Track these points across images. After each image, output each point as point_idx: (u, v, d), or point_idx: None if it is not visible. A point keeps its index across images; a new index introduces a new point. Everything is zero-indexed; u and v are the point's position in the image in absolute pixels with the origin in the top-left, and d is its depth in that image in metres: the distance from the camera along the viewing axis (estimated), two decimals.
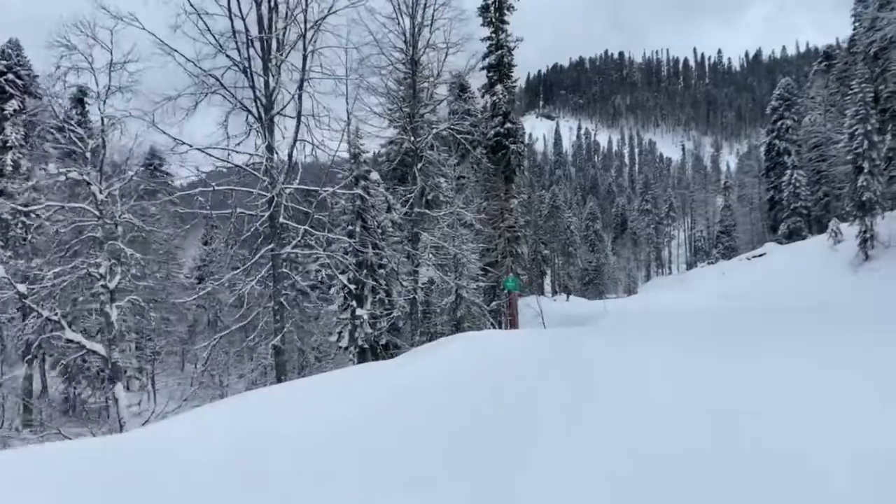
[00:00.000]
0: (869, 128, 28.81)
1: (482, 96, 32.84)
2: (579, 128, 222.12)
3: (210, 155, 13.30)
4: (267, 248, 13.80)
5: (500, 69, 31.25)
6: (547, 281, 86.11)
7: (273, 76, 13.97)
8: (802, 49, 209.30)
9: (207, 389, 28.79)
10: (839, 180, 48.26)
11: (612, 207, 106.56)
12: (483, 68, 31.43)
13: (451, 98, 30.15)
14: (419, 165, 20.66)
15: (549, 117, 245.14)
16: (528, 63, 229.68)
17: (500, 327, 33.43)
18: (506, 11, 31.01)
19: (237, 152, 13.98)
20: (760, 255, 49.62)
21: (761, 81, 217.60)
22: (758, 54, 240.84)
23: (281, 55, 13.99)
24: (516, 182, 31.89)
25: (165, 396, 30.50)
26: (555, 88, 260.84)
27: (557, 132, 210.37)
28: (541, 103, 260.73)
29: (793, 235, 50.74)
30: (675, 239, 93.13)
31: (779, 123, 55.82)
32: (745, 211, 68.62)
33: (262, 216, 13.77)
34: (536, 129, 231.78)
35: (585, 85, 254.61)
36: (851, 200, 29.77)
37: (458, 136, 28.55)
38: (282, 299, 14.00)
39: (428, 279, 24.03)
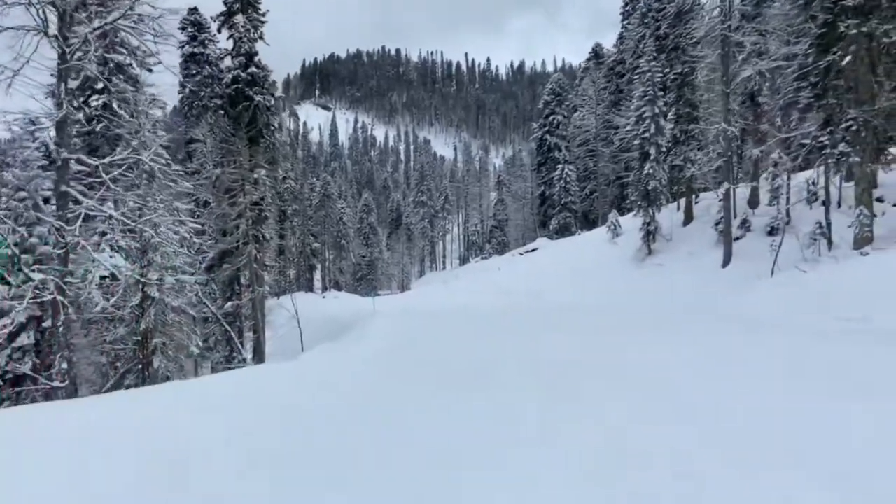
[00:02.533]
0: (657, 111, 26.80)
1: (218, 30, 24.67)
2: (356, 121, 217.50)
3: None
4: None
5: None
6: (317, 276, 79.13)
7: None
8: (559, 65, 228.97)
9: None
10: (607, 175, 48.67)
11: (387, 203, 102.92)
12: None
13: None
14: (70, 84, 12.30)
15: (325, 107, 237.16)
16: (304, 49, 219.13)
17: (240, 336, 25.62)
18: None
19: None
20: (533, 250, 48.29)
21: (524, 91, 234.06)
22: (521, 66, 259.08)
23: None
24: (265, 146, 24.35)
25: None
26: (332, 79, 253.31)
27: (334, 123, 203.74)
28: (317, 92, 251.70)
29: (563, 231, 50.31)
30: (450, 233, 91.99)
31: (551, 118, 55.56)
32: (517, 206, 68.62)
33: None
34: (312, 117, 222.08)
35: (363, 78, 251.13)
36: (637, 190, 27.65)
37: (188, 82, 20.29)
38: None
39: (110, 272, 15.56)
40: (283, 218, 66.96)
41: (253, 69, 23.54)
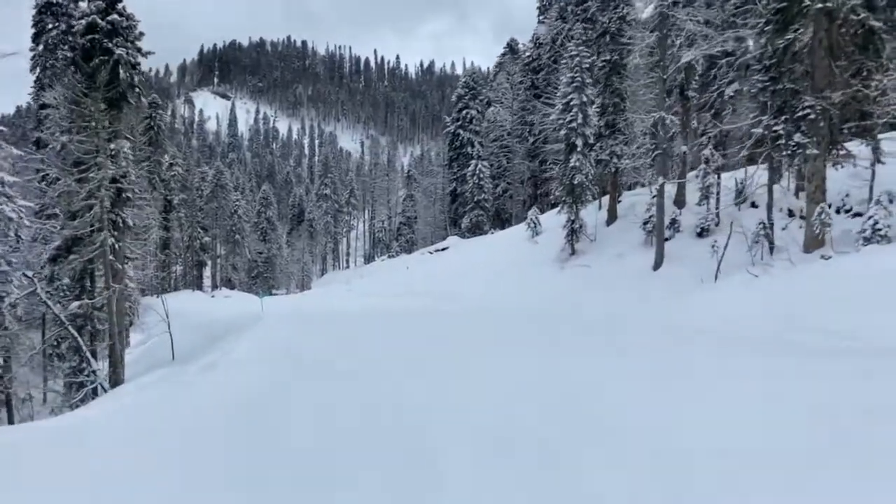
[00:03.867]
0: (584, 99, 24.72)
1: None
2: (257, 111, 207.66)
3: None
4: None
5: None
6: (207, 273, 72.86)
7: None
8: (468, 66, 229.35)
9: None
10: (522, 173, 46.89)
11: (289, 198, 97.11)
12: None
13: None
14: None
15: (224, 96, 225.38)
16: (202, 33, 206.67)
17: (95, 342, 21.00)
18: None
19: None
20: (444, 249, 45.76)
21: (433, 91, 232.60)
22: (431, 66, 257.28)
23: None
24: (128, 113, 19.95)
25: None
26: (232, 67, 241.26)
27: (233, 112, 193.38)
28: (216, 80, 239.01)
29: (475, 229, 48.05)
30: (355, 230, 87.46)
31: (464, 112, 53.22)
32: (427, 203, 65.69)
33: None
34: (209, 106, 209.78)
35: (266, 68, 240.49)
36: (561, 184, 25.50)
37: None
38: None
39: None
40: (169, 208, 60.61)
41: (115, 17, 19.04)
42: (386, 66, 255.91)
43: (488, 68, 61.09)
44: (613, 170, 25.79)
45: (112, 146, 18.14)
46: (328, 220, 77.13)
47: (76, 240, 19.16)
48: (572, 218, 25.22)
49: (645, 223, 23.37)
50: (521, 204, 48.62)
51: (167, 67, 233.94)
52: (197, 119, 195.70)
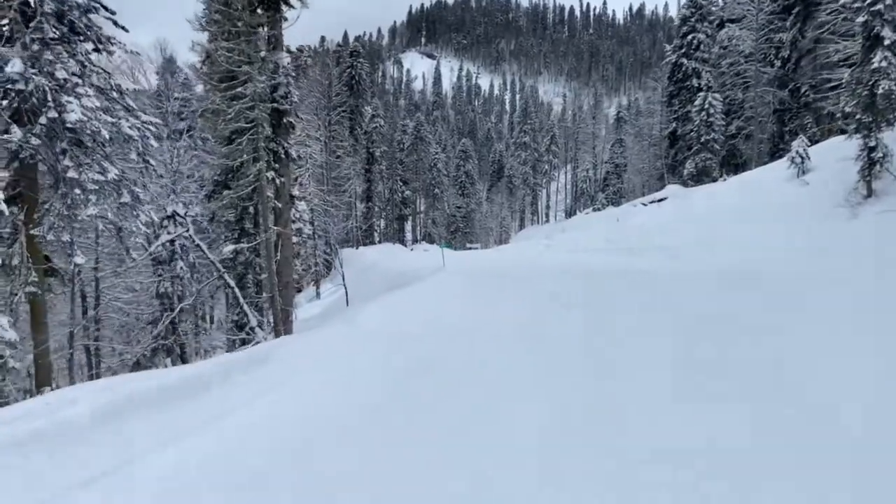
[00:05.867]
0: None
1: None
2: (461, 69, 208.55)
3: None
4: None
5: None
6: (408, 227, 72.98)
7: None
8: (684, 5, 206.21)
9: None
10: (769, 104, 37.64)
11: (489, 154, 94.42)
12: None
13: None
14: None
15: (430, 56, 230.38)
16: None
17: (259, 293, 18.69)
18: None
19: None
20: (661, 200, 38.58)
21: (643, 36, 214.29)
22: (641, 9, 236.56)
23: None
24: (288, 16, 16.78)
25: None
26: (438, 26, 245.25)
27: (438, 71, 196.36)
28: (423, 40, 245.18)
29: (701, 175, 39.99)
30: (556, 181, 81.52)
31: (689, 37, 44.46)
32: (638, 150, 57.51)
33: None
34: (416, 65, 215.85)
35: (470, 25, 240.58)
36: (854, 97, 17.74)
37: None
38: None
39: None
40: (371, 160, 60.60)
41: None
42: (591, 14, 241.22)
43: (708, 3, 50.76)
44: None
45: (263, 54, 15.05)
46: (526, 171, 72.26)
47: (233, 173, 16.69)
48: (871, 144, 17.43)
49: None
50: (759, 145, 39.38)
51: (379, 31, 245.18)
52: (405, 79, 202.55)
